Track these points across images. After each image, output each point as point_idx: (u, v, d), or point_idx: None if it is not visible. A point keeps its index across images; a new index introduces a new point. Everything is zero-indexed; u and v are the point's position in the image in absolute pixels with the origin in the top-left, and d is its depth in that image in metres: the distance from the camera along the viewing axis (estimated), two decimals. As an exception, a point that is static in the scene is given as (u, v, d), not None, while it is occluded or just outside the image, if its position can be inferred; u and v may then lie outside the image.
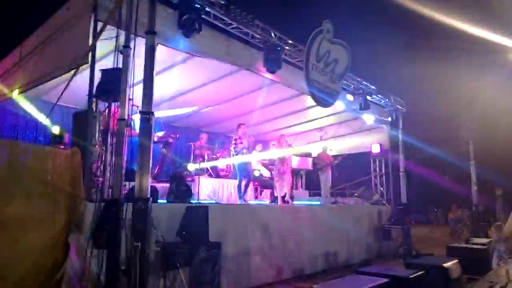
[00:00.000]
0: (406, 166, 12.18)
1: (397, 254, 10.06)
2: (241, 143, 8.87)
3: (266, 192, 11.21)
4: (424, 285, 5.02)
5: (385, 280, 4.38)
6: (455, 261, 6.14)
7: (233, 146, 8.93)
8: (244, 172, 8.98)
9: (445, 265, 5.81)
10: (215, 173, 10.35)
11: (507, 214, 13.18)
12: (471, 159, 13.77)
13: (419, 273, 4.99)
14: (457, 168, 18.08)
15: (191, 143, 10.23)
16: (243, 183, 8.98)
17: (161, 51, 5.93)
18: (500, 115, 18.37)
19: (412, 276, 4.86)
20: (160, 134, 8.84)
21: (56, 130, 7.23)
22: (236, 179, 9.18)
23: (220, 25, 7.02)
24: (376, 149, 12.09)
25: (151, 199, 4.06)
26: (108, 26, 4.94)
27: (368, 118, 11.24)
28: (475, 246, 7.84)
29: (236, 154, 8.90)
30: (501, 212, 12.62)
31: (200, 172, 9.43)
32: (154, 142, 8.51)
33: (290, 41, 8.27)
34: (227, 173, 10.65)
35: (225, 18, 6.94)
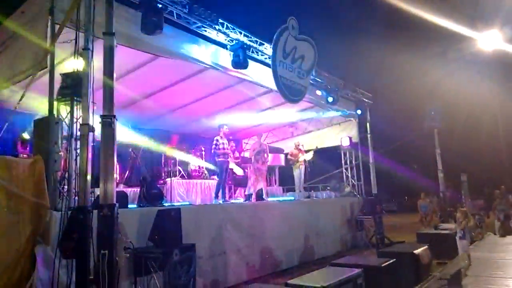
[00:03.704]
0: (375, 157, 12.46)
1: (371, 244, 10.29)
2: (223, 143, 8.82)
3: (240, 191, 11.21)
4: (396, 272, 5.16)
5: (357, 270, 4.47)
6: (425, 247, 6.35)
7: (214, 146, 8.81)
8: (225, 173, 8.93)
9: (416, 251, 6.00)
10: (187, 174, 10.24)
11: (472, 198, 13.80)
12: (436, 148, 14.27)
13: (391, 261, 5.13)
14: (424, 157, 18.70)
15: (162, 145, 10.07)
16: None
17: (125, 53, 5.83)
18: (462, 103, 19.14)
19: (384, 264, 5.00)
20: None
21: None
22: (217, 178, 9.11)
23: (184, 24, 6.94)
24: (345, 142, 12.28)
25: (117, 205, 3.95)
26: (68, 29, 4.78)
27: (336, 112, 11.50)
28: (442, 232, 8.14)
29: (218, 156, 8.80)
30: (466, 197, 13.14)
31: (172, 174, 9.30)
32: (123, 146, 8.35)
33: (256, 39, 8.26)
34: (200, 174, 10.55)
35: (189, 17, 6.86)
